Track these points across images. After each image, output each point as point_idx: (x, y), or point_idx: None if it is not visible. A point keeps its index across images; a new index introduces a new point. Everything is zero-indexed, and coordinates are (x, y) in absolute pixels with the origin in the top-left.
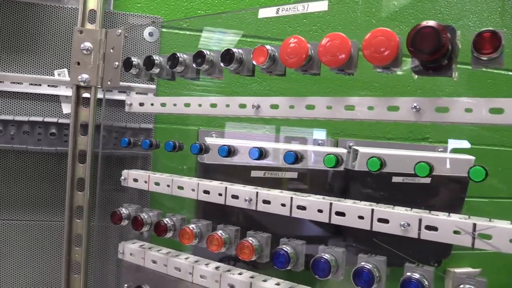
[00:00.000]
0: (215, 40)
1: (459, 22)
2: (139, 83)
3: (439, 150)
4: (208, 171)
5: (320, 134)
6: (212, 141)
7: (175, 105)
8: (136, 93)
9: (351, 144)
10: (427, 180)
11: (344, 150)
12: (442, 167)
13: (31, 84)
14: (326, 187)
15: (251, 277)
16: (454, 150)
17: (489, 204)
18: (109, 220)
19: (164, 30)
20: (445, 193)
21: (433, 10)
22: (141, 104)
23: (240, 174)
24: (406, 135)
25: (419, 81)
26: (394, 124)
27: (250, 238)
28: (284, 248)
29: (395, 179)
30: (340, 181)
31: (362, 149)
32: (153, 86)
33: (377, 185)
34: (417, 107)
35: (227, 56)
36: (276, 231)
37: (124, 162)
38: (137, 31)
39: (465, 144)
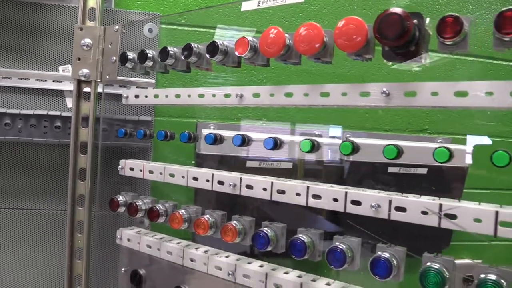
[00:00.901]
0: (228, 37)
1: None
2: (138, 77)
3: (438, 141)
4: (205, 161)
5: (317, 126)
6: (207, 131)
7: (166, 96)
8: (137, 87)
9: (348, 135)
10: (424, 171)
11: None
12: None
13: (37, 79)
14: (321, 178)
15: (237, 260)
16: (475, 147)
17: (491, 195)
18: (109, 209)
19: (163, 26)
20: (442, 183)
21: (431, 1)
22: (136, 96)
23: (236, 164)
24: (405, 127)
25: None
26: (392, 115)
27: (234, 222)
28: (264, 231)
29: (391, 170)
30: (336, 172)
31: (356, 140)
32: (152, 81)
33: (373, 175)
34: (387, 91)
35: (211, 47)
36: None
37: (125, 153)
38: (137, 28)
39: (485, 140)
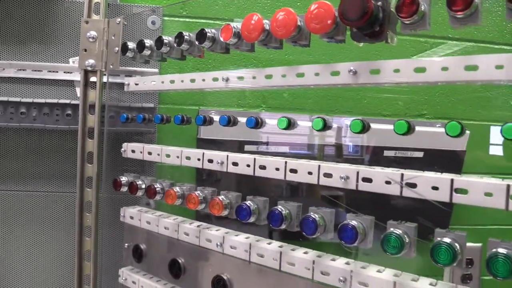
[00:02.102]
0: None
1: None
2: (144, 68)
3: (437, 125)
4: (205, 145)
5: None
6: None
7: (163, 82)
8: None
9: (346, 121)
10: (420, 154)
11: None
12: (437, 141)
13: (49, 71)
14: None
15: (226, 233)
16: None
17: None
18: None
19: (165, 18)
20: (438, 166)
21: None
22: (136, 84)
23: (234, 148)
24: (403, 112)
25: None
26: (391, 101)
27: (222, 197)
28: (246, 203)
29: (387, 153)
30: (331, 155)
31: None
32: (156, 70)
33: (369, 158)
34: (353, 70)
35: (199, 35)
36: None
37: (131, 139)
38: (141, 21)
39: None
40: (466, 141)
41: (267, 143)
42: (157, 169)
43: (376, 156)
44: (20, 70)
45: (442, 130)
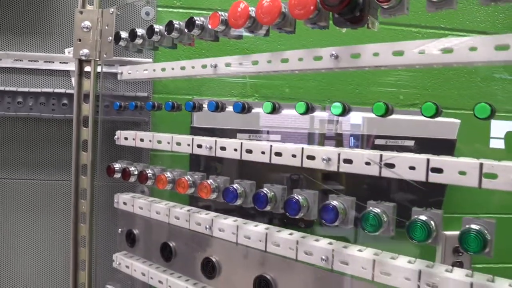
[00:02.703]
0: None
1: None
2: (138, 57)
3: None
4: (199, 133)
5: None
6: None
7: (154, 70)
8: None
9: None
10: (411, 143)
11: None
12: (428, 130)
13: (46, 61)
14: None
15: (215, 216)
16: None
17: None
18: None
19: (159, 9)
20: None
21: None
22: (129, 72)
23: (226, 137)
24: (395, 101)
25: None
26: (382, 90)
27: (210, 180)
28: (233, 186)
29: (378, 142)
30: (322, 143)
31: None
32: (150, 60)
33: (360, 147)
34: (335, 54)
35: (188, 23)
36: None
37: (127, 129)
38: (135, 12)
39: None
40: (457, 130)
41: (259, 132)
42: (151, 159)
43: (367, 144)
44: (16, 60)
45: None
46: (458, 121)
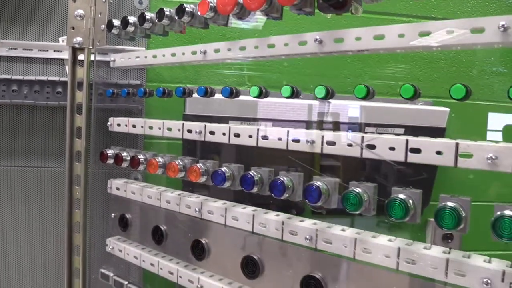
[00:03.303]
0: None
1: None
2: (131, 46)
3: (419, 104)
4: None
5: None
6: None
7: (146, 57)
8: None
9: (330, 100)
10: (401, 131)
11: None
12: (417, 118)
13: (40, 50)
14: None
15: (204, 200)
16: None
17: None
18: (104, 166)
19: None
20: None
21: None
22: (122, 59)
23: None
24: (386, 90)
25: None
26: (374, 79)
27: (200, 164)
28: (222, 169)
29: (368, 130)
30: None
31: (333, 101)
32: (143, 48)
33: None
34: (319, 39)
35: (178, 10)
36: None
37: (120, 116)
38: (129, 1)
39: None
40: (446, 118)
41: (250, 119)
42: (145, 147)
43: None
44: (11, 49)
45: (424, 107)
46: (447, 109)
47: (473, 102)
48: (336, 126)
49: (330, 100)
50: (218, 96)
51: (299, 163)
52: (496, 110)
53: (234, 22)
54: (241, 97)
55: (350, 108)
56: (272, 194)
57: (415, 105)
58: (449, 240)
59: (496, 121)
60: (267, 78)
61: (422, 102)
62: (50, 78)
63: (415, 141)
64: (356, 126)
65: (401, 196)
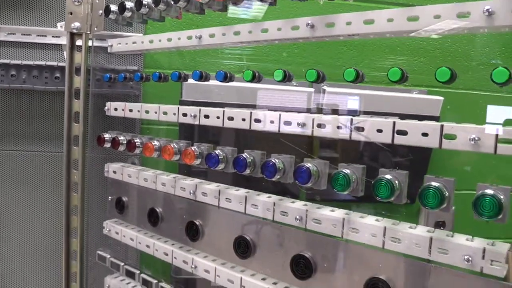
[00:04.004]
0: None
1: None
2: (128, 32)
3: (414, 93)
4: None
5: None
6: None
7: (142, 42)
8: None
9: (324, 87)
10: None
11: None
12: (412, 107)
13: (38, 35)
14: None
15: (199, 182)
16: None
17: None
18: (102, 151)
19: None
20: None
21: None
22: (119, 44)
23: None
24: (381, 79)
25: None
26: (370, 68)
27: (194, 147)
28: (216, 152)
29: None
30: None
31: (328, 88)
32: (140, 34)
33: None
34: (311, 23)
35: None
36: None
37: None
38: None
39: None
40: (440, 106)
41: (247, 106)
42: (142, 133)
43: None
44: (10, 34)
45: (418, 96)
46: (441, 98)
47: (470, 92)
48: (332, 113)
49: (325, 88)
50: (214, 82)
51: (298, 149)
52: (495, 101)
53: (232, 12)
54: (238, 84)
55: (345, 97)
56: (264, 175)
57: (410, 94)
58: (442, 228)
59: (496, 114)
60: (265, 68)
61: (417, 91)
62: (49, 63)
63: (402, 123)
64: (351, 114)
65: (388, 176)
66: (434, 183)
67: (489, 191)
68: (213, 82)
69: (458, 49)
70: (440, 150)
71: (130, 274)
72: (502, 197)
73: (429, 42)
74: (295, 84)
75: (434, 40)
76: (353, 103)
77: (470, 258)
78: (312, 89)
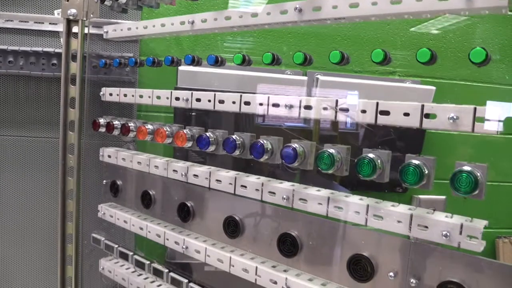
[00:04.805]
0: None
1: None
2: (124, 19)
3: (407, 83)
4: None
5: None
6: (185, 68)
7: (137, 28)
8: None
9: (318, 76)
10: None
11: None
12: (404, 96)
13: (36, 22)
14: None
15: (191, 165)
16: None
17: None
18: (97, 137)
19: None
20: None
21: None
22: (114, 30)
23: None
24: (374, 69)
25: None
26: (364, 58)
27: (186, 130)
28: (206, 134)
29: None
30: None
31: (321, 77)
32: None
33: None
34: (299, 7)
35: None
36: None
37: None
38: None
39: None
40: (432, 96)
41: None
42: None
43: None
44: (7, 21)
45: (410, 85)
46: (433, 87)
47: (472, 83)
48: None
49: (318, 77)
50: (209, 69)
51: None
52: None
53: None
54: (233, 72)
55: (338, 85)
56: (252, 156)
57: (402, 83)
58: None
59: (496, 110)
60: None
61: (410, 81)
62: (45, 49)
63: (385, 104)
64: None
65: (370, 155)
66: (414, 161)
67: (466, 168)
68: (207, 69)
69: (451, 39)
70: (434, 146)
71: (124, 256)
72: (478, 174)
73: (423, 34)
74: (288, 72)
75: (429, 34)
76: (347, 92)
77: (448, 234)
78: (305, 78)
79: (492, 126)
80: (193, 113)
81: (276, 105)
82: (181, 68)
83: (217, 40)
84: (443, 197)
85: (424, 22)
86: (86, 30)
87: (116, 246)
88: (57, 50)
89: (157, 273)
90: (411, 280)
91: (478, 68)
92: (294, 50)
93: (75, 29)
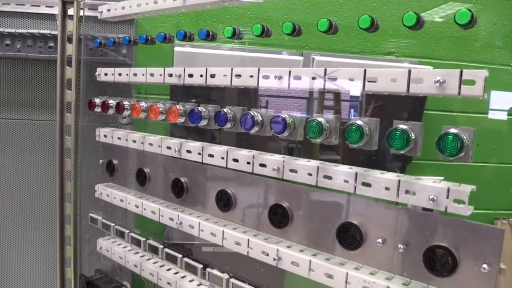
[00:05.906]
0: None
1: None
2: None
3: (404, 63)
4: None
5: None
6: (180, 49)
7: (131, 6)
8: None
9: (314, 56)
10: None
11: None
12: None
13: (32, 5)
14: None
15: (184, 141)
16: None
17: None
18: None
19: None
20: (404, 103)
21: None
22: (108, 10)
23: None
24: (372, 50)
25: None
26: (360, 39)
27: (179, 106)
28: (198, 108)
29: None
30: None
31: (318, 57)
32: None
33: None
34: None
35: None
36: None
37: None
38: None
39: None
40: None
41: None
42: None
43: None
44: (4, 4)
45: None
46: (430, 67)
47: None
48: None
49: (314, 57)
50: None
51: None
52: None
53: None
54: (228, 52)
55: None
56: (243, 128)
57: (400, 63)
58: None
59: (501, 100)
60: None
61: (408, 62)
62: (42, 31)
63: (372, 71)
64: None
65: (358, 122)
66: (401, 126)
67: (452, 130)
68: (203, 50)
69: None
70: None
71: (121, 234)
72: (465, 136)
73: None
74: (285, 53)
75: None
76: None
77: (435, 198)
78: (301, 58)
79: (478, 90)
80: (193, 100)
81: (266, 77)
82: (176, 49)
83: (216, 24)
84: (441, 178)
85: (427, 10)
86: (81, 13)
87: (113, 224)
88: (53, 32)
89: (153, 249)
90: (399, 246)
91: (477, 49)
92: (296, 40)
93: (70, 11)
